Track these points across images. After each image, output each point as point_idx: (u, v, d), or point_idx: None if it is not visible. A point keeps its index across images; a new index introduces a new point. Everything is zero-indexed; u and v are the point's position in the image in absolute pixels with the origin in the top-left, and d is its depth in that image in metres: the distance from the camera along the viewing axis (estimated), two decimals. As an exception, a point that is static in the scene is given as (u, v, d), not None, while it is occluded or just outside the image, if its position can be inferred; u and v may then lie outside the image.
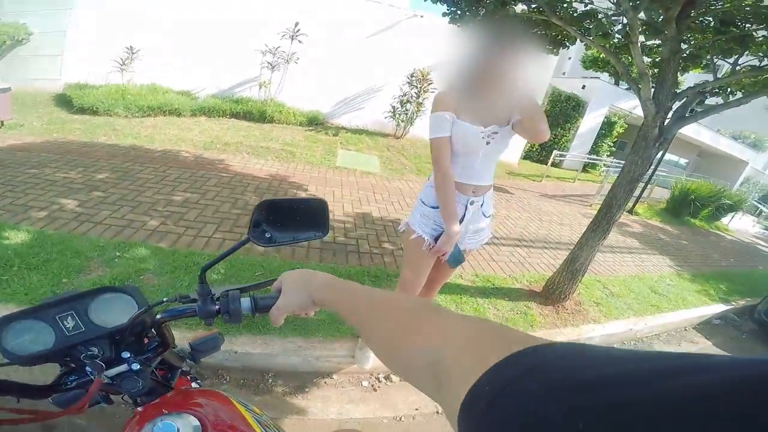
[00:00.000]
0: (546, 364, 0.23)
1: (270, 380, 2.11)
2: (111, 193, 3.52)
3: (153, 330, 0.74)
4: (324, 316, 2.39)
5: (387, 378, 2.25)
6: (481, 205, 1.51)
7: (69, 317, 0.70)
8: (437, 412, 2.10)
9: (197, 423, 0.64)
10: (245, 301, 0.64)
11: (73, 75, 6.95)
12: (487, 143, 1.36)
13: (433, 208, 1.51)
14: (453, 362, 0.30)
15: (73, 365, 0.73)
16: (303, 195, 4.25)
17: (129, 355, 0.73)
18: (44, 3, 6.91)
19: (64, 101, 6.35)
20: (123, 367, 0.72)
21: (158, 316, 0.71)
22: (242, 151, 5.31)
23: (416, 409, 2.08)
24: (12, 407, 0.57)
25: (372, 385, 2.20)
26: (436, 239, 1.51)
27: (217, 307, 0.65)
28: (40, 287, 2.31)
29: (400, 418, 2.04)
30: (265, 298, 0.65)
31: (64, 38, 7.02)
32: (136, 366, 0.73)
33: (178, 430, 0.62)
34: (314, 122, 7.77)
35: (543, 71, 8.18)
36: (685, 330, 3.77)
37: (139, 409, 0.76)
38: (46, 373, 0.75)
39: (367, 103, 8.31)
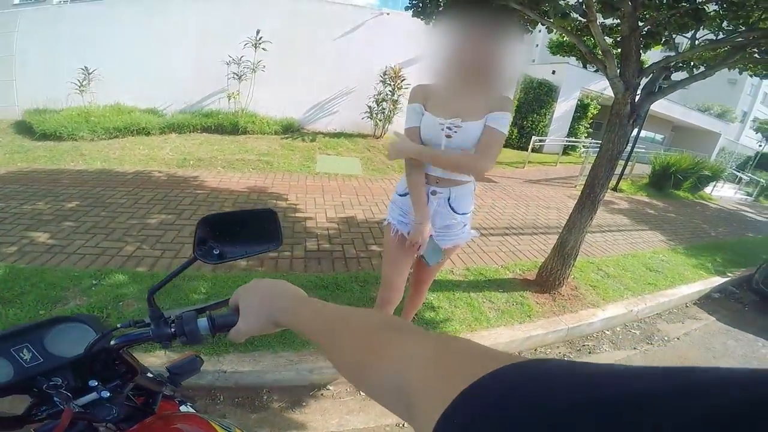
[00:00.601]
0: (518, 387, 0.20)
1: (265, 397, 2.05)
2: (83, 222, 3.38)
3: (117, 357, 0.71)
4: None
5: None
6: (448, 199, 1.48)
7: (24, 349, 0.68)
8: None
9: None
10: (202, 322, 0.61)
11: (29, 101, 6.72)
12: (448, 136, 1.34)
13: (400, 195, 1.55)
14: (419, 387, 0.27)
15: (39, 396, 0.71)
16: (283, 204, 4.18)
17: (96, 383, 0.72)
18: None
19: (24, 128, 6.11)
20: (92, 396, 0.70)
21: (112, 343, 0.67)
22: (217, 166, 5.19)
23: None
24: None
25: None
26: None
27: (172, 329, 0.61)
28: (17, 320, 2.22)
29: (403, 425, 1.99)
30: (223, 316, 0.61)
31: (13, 63, 6.80)
32: (105, 394, 0.71)
33: None
34: (289, 129, 7.65)
35: (512, 59, 8.27)
36: (686, 306, 3.73)
37: None
38: (15, 407, 0.71)
39: (341, 105, 8.23)
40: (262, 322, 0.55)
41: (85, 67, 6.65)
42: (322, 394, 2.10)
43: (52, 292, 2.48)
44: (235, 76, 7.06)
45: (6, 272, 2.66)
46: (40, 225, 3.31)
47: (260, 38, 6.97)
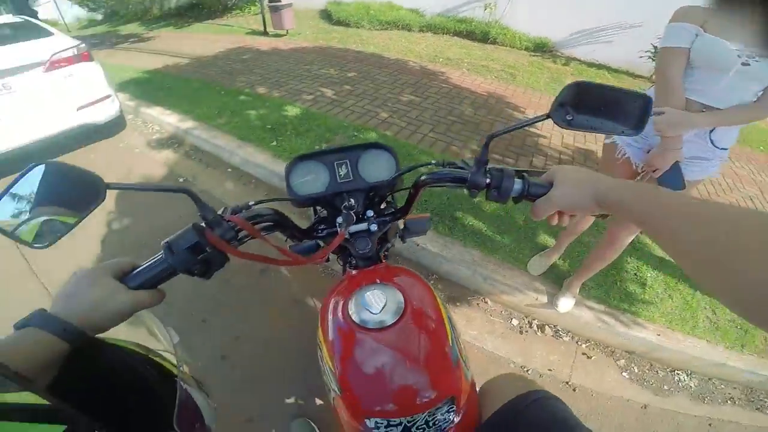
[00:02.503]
0: None
1: (432, 281, 2.11)
2: (356, 88, 4.10)
3: (411, 190, 0.75)
4: (509, 241, 2.16)
5: (540, 328, 1.92)
6: (711, 130, 1.22)
7: (343, 165, 0.78)
8: (567, 383, 1.72)
9: (401, 299, 0.64)
10: (518, 182, 0.59)
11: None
12: (745, 64, 1.07)
13: None
14: None
15: (327, 213, 0.83)
16: (520, 116, 3.85)
17: (372, 214, 0.79)
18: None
19: (326, 15, 7.76)
20: (362, 226, 0.78)
21: (422, 178, 0.69)
22: (462, 67, 5.18)
23: (549, 370, 1.75)
24: (279, 247, 0.62)
25: (521, 327, 1.93)
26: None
27: (488, 180, 0.60)
28: (300, 148, 2.94)
29: (528, 370, 1.76)
30: (537, 185, 0.58)
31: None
32: (374, 227, 0.79)
33: (386, 302, 0.63)
34: (541, 49, 6.80)
35: None
36: None
37: (353, 272, 0.80)
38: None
39: (617, 37, 6.55)
40: (582, 197, 0.51)
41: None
42: (478, 304, 2.01)
43: (327, 134, 3.15)
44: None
45: (302, 112, 3.53)
46: (329, 84, 4.19)
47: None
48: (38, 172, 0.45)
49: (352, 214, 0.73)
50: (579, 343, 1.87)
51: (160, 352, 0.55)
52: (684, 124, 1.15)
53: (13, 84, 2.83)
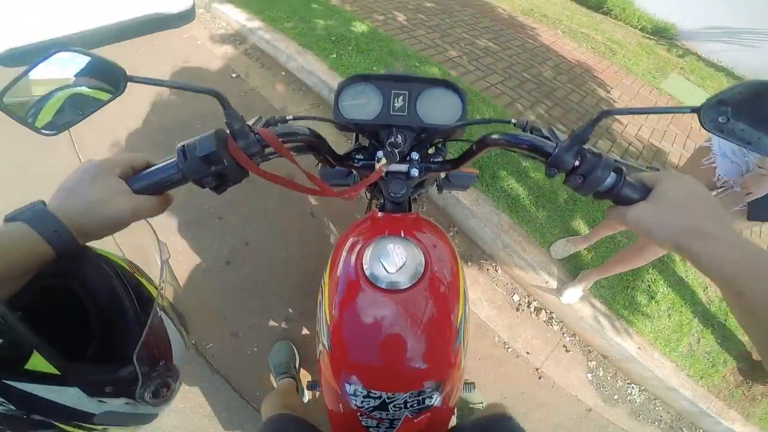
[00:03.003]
0: None
1: (451, 234, 2.01)
2: (431, 19, 3.76)
3: (474, 147, 0.65)
4: (543, 216, 1.99)
5: (537, 311, 1.85)
6: None
7: (401, 97, 0.68)
8: (537, 369, 1.72)
9: (422, 263, 0.57)
10: (612, 177, 0.47)
11: None
12: None
13: None
14: None
15: (369, 144, 0.75)
16: (603, 94, 3.39)
17: (417, 157, 0.70)
18: None
19: None
20: (403, 167, 0.69)
21: (494, 136, 0.57)
22: (558, 28, 4.58)
23: (527, 353, 1.74)
24: (307, 172, 0.56)
25: (519, 305, 1.86)
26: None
27: (576, 162, 0.48)
28: (358, 67, 2.79)
29: (508, 348, 1.72)
30: (631, 187, 0.46)
31: None
32: (414, 172, 0.69)
33: (406, 261, 0.56)
34: (659, 33, 5.88)
35: None
36: None
37: (378, 214, 0.73)
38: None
39: (757, 42, 5.41)
40: (668, 230, 0.40)
41: None
42: (487, 269, 1.94)
43: (388, 57, 2.95)
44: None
45: (369, 30, 3.32)
46: (403, 10, 3.87)
47: None
48: (59, 57, 0.43)
49: (396, 152, 0.65)
50: (565, 335, 1.85)
51: (147, 274, 0.50)
52: None
53: None
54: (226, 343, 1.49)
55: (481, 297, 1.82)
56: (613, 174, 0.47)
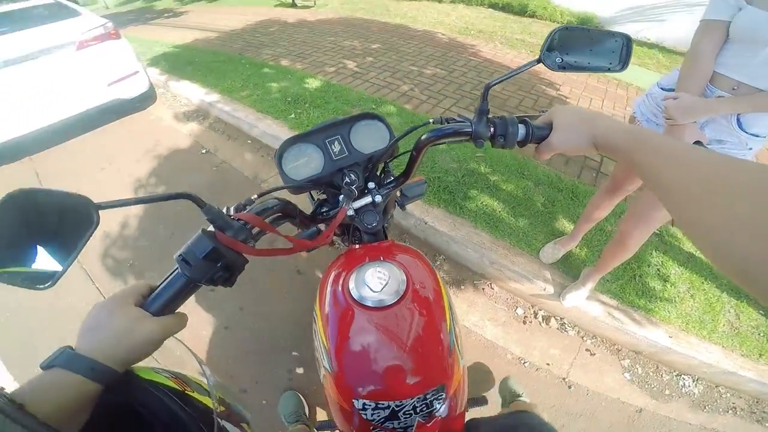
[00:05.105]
0: None
1: (438, 262, 2.03)
2: (379, 60, 3.97)
3: (413, 153, 0.73)
4: (524, 224, 2.03)
5: (546, 320, 1.80)
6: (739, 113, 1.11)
7: (336, 142, 0.76)
8: (564, 379, 1.61)
9: (404, 279, 0.62)
10: (521, 128, 0.59)
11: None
12: None
13: (663, 89, 1.24)
14: None
15: (327, 194, 0.80)
16: (553, 93, 3.58)
17: (373, 186, 0.78)
18: None
19: None
20: (367, 199, 0.76)
21: (424, 137, 0.68)
22: (495, 41, 4.87)
23: (547, 364, 1.65)
24: (286, 235, 0.60)
25: (525, 317, 1.81)
26: None
27: (492, 129, 0.60)
28: (317, 121, 2.89)
29: (525, 363, 1.65)
30: (538, 128, 0.58)
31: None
32: (378, 198, 0.77)
33: (389, 280, 0.61)
34: (585, 24, 6.25)
35: None
36: None
37: (357, 246, 0.77)
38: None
39: (671, 16, 5.88)
40: (580, 139, 0.53)
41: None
42: (483, 289, 1.91)
43: (345, 106, 3.08)
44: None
45: (322, 84, 3.47)
46: (352, 56, 4.08)
47: None
48: (11, 204, 0.35)
49: (354, 189, 0.72)
50: (584, 338, 1.75)
51: (197, 383, 0.52)
52: (699, 111, 1.05)
53: (47, 63, 2.96)
54: (237, 399, 1.50)
55: (482, 317, 1.80)
56: (521, 126, 0.59)
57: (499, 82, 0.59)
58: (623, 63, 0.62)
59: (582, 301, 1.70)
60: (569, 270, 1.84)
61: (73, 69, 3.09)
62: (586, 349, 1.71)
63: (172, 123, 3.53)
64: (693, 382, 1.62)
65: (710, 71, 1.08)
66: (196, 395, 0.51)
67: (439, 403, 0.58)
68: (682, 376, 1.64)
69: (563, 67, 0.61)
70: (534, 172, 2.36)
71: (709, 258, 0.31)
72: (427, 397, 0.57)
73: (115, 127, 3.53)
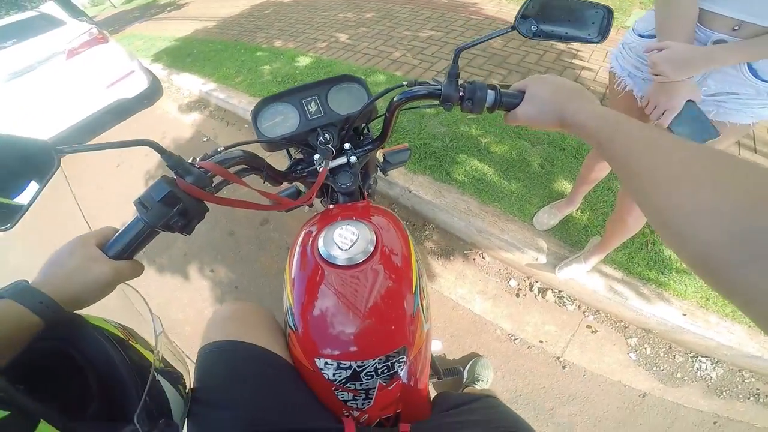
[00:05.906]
0: None
1: (427, 232, 1.94)
2: (372, 29, 3.81)
3: (387, 115, 0.72)
4: (517, 188, 1.87)
5: (542, 293, 1.65)
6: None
7: (312, 102, 0.77)
8: (558, 358, 1.47)
9: (373, 239, 0.62)
10: (490, 93, 0.58)
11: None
12: None
13: (640, 36, 0.99)
14: None
15: (304, 153, 0.81)
16: (560, 46, 3.28)
17: (350, 147, 0.78)
18: None
19: None
20: (342, 160, 0.77)
21: (395, 99, 0.67)
22: (500, -5, 4.51)
23: (540, 341, 1.52)
24: (262, 190, 0.61)
25: (519, 290, 1.67)
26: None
27: (461, 93, 0.60)
28: None
29: (515, 340, 1.53)
30: (509, 95, 0.58)
31: None
32: (354, 159, 0.78)
33: (357, 239, 0.61)
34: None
35: None
36: None
37: (331, 206, 0.78)
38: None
39: None
40: (546, 116, 0.52)
41: None
42: (474, 259, 1.79)
43: (338, 80, 2.98)
44: None
45: (312, 61, 3.39)
46: (345, 29, 3.94)
47: None
48: None
49: (330, 147, 0.73)
50: (586, 313, 1.59)
51: (145, 341, 0.52)
52: (697, 63, 0.80)
53: (42, 74, 3.05)
54: (182, 359, 1.59)
55: (471, 290, 1.69)
56: (490, 91, 0.58)
57: (470, 46, 0.58)
58: (602, 35, 0.60)
59: (579, 275, 1.53)
60: (567, 237, 1.68)
61: (68, 77, 3.20)
62: (588, 326, 1.56)
63: (177, 115, 3.60)
64: (711, 365, 1.44)
65: (695, 8, 0.83)
66: (138, 347, 0.50)
67: (400, 366, 0.58)
68: (700, 358, 1.46)
69: (538, 35, 0.59)
70: (533, 131, 2.18)
71: (671, 246, 0.30)
72: (389, 359, 0.57)
73: (126, 125, 3.65)
